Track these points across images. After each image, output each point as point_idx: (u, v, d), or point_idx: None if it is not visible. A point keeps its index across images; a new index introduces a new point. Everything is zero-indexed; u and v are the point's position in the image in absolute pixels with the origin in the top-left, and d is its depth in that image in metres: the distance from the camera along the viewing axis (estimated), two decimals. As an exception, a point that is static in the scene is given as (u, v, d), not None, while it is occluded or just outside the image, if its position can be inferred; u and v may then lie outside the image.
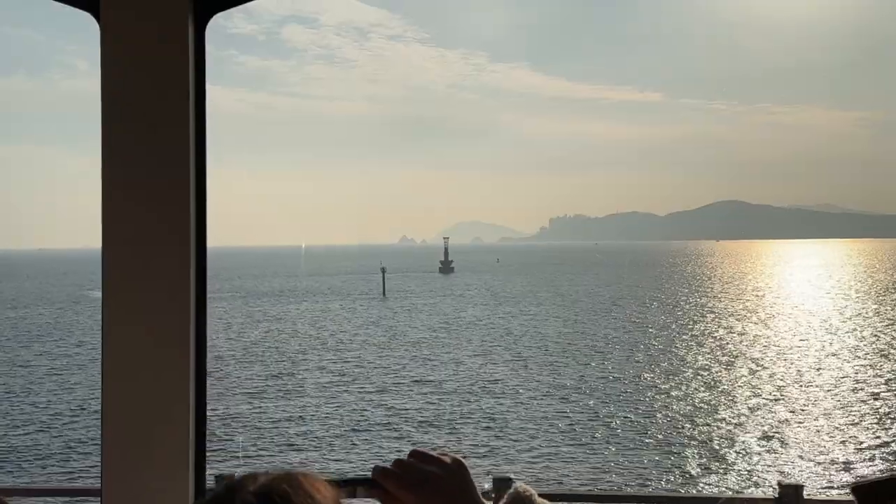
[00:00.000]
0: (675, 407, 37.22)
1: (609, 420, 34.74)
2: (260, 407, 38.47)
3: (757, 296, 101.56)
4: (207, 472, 2.45)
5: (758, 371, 46.27)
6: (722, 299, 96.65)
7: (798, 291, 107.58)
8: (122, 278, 2.33)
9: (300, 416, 36.39)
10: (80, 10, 2.34)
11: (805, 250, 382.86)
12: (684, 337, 61.74)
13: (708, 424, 33.93)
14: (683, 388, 41.69)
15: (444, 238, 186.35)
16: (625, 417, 35.19)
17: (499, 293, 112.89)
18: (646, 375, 45.22)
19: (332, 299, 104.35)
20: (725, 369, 47.07)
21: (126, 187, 2.31)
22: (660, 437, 31.91)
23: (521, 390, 41.44)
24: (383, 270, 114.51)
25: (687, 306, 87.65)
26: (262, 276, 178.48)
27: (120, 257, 2.32)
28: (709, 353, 53.07)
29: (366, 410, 37.38)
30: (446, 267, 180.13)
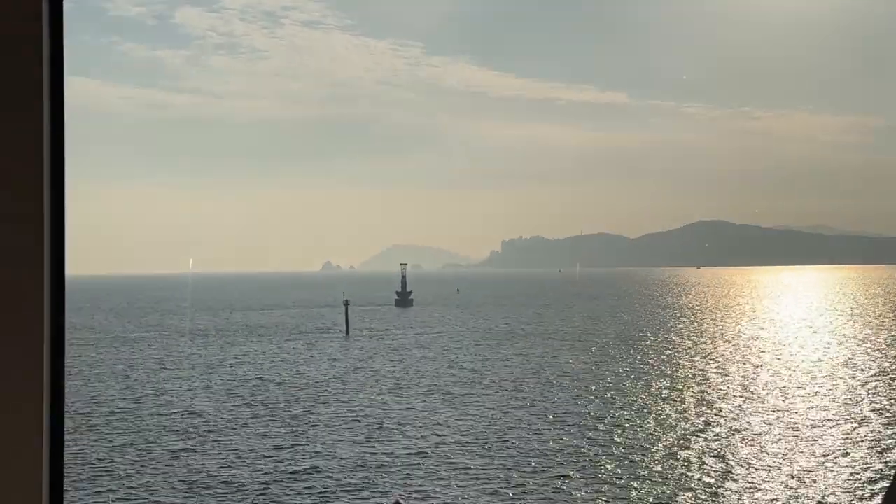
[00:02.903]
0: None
1: None
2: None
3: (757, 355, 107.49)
4: None
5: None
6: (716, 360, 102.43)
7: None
8: None
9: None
10: None
11: (798, 278, 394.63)
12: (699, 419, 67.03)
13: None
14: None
15: (402, 265, 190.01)
16: None
17: (486, 331, 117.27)
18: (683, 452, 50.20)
19: (293, 338, 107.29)
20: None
21: None
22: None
23: None
24: (346, 304, 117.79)
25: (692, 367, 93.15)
26: (180, 312, 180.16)
27: None
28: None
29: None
30: (404, 299, 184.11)
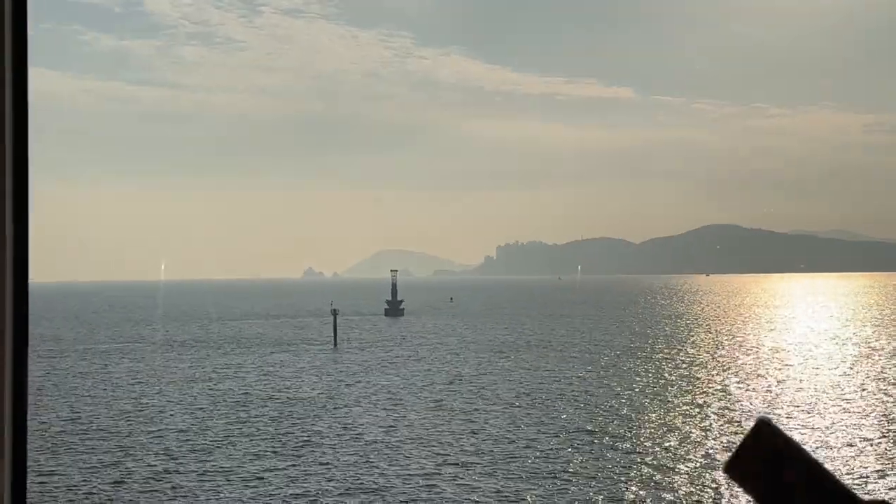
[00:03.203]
0: None
1: None
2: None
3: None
4: None
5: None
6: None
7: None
8: None
9: None
10: None
11: (815, 287, 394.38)
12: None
13: None
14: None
15: (392, 272, 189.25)
16: None
17: (486, 343, 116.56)
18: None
19: (278, 350, 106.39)
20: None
21: None
22: None
23: None
24: (334, 313, 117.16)
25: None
26: (152, 321, 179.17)
27: None
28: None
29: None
30: (395, 308, 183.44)
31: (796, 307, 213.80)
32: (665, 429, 53.69)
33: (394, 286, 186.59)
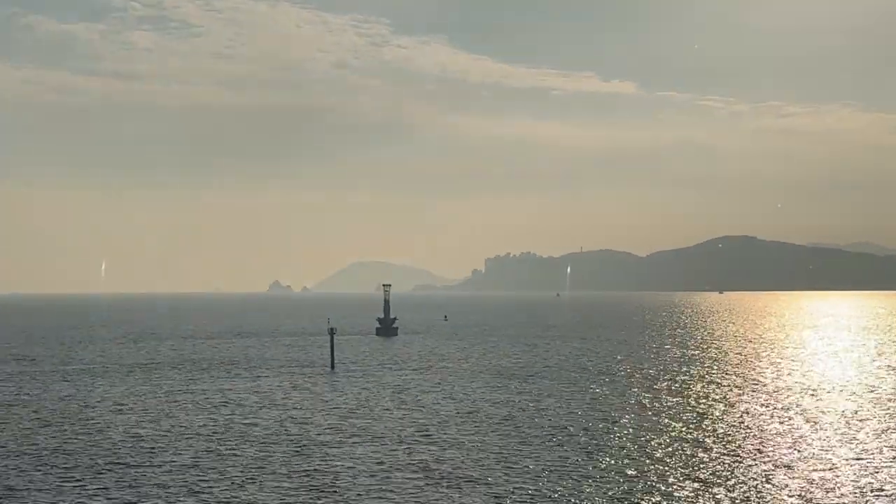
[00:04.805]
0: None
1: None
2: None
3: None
4: None
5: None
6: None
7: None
8: None
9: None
10: None
11: (843, 306, 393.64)
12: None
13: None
14: None
15: (385, 286, 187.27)
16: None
17: (496, 369, 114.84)
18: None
19: (267, 374, 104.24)
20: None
21: None
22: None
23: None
24: (332, 332, 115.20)
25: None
26: (94, 340, 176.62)
27: None
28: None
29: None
30: (387, 327, 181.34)
31: (839, 333, 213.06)
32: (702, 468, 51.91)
33: (386, 303, 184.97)
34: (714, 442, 60.91)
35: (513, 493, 46.40)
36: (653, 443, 60.54)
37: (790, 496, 45.69)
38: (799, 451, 57.62)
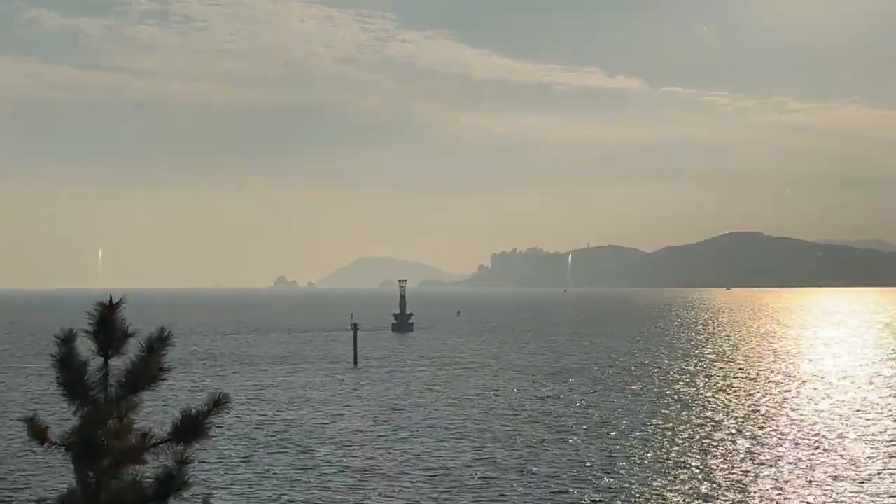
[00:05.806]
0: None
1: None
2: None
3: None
4: None
5: None
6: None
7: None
8: None
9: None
10: None
11: (851, 303, 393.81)
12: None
13: None
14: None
15: (400, 282, 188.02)
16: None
17: (519, 366, 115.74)
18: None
19: (290, 370, 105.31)
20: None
21: None
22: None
23: None
24: (355, 328, 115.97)
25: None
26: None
27: None
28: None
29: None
30: (403, 323, 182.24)
31: (851, 331, 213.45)
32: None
33: (402, 298, 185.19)
34: (766, 438, 61.69)
35: (561, 483, 47.22)
36: (698, 442, 61.33)
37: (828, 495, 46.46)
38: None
